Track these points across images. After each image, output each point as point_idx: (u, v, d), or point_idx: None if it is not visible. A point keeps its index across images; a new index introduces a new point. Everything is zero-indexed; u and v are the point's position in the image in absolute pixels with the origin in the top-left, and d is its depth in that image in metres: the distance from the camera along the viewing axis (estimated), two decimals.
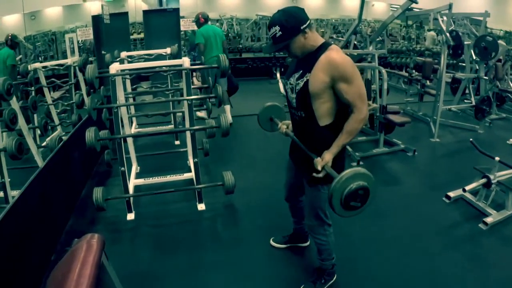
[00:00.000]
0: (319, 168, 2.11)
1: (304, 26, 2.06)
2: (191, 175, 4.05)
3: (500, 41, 6.89)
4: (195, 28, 8.49)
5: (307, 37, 2.08)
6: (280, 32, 2.04)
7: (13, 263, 2.38)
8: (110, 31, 6.84)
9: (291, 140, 2.50)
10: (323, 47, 2.10)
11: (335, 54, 2.05)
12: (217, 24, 14.53)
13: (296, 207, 2.91)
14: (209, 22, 6.62)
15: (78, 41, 9.13)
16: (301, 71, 2.15)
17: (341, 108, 2.17)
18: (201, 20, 6.40)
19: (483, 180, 3.69)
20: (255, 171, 4.74)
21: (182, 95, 4.06)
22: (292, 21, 2.04)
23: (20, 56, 10.02)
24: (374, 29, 12.32)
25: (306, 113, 2.19)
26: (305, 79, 2.10)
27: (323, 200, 2.36)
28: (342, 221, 2.64)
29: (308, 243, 3.18)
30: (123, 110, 3.91)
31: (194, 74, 7.96)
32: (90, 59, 7.56)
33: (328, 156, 2.13)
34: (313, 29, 2.13)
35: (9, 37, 5.88)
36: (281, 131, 2.63)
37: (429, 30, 13.61)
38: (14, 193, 3.47)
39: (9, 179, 3.58)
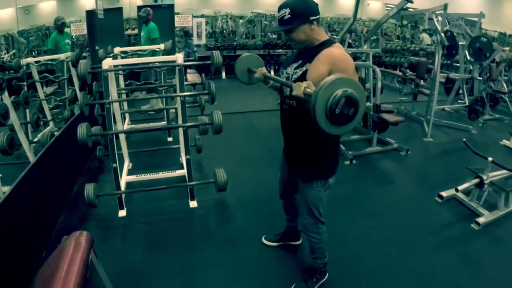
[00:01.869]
0: (301, 89, 1.83)
1: (313, 18, 2.07)
2: (183, 172, 4.03)
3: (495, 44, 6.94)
4: (190, 24, 8.49)
5: (313, 29, 2.08)
6: (289, 16, 2.04)
7: (4, 260, 2.35)
8: (104, 27, 6.78)
9: (283, 133, 2.47)
10: (327, 43, 2.12)
11: (338, 50, 2.06)
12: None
13: (291, 205, 2.90)
14: None
15: (72, 36, 9.07)
16: (301, 61, 2.15)
17: None
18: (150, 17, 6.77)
19: (476, 180, 3.70)
20: (247, 169, 4.73)
21: (174, 91, 4.03)
22: (303, 8, 2.05)
23: (14, 50, 9.94)
24: (369, 29, 12.33)
25: (298, 103, 2.18)
26: (304, 68, 2.09)
27: (317, 198, 2.37)
28: (334, 220, 2.65)
29: (300, 241, 3.17)
30: (115, 106, 3.89)
31: (188, 70, 7.94)
32: (84, 54, 7.51)
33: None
34: (320, 25, 2.14)
35: None
36: (259, 74, 2.48)
37: (423, 31, 13.66)
38: (5, 189, 3.43)
39: (0, 175, 3.55)
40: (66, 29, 6.84)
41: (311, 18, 2.06)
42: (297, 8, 2.04)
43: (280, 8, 2.10)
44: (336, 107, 1.60)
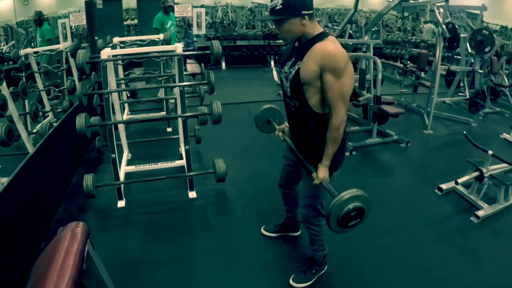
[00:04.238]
0: (317, 183, 2.19)
1: (306, 12, 2.00)
2: (182, 162, 4.02)
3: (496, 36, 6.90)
4: (189, 14, 8.45)
5: (304, 23, 2.01)
6: (281, 6, 1.98)
7: (2, 251, 2.35)
8: (103, 17, 6.75)
9: (290, 129, 2.45)
10: (320, 37, 2.04)
11: (330, 45, 1.98)
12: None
13: (290, 195, 2.89)
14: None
15: (71, 27, 9.01)
16: (293, 59, 2.10)
17: None
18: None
19: (476, 173, 3.70)
20: (247, 159, 4.72)
21: (174, 81, 4.01)
22: (296, 1, 1.98)
23: (13, 41, 9.90)
24: (368, 21, 12.25)
25: (300, 103, 2.15)
26: (296, 67, 2.05)
27: (320, 190, 2.34)
28: None
29: (299, 232, 3.17)
30: (114, 96, 3.86)
31: (188, 60, 7.90)
32: (83, 45, 7.47)
33: (322, 172, 2.18)
34: (313, 19, 2.06)
35: None
36: (278, 137, 2.62)
37: (425, 22, 13.54)
38: (4, 180, 3.42)
39: None
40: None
41: (303, 12, 1.98)
42: (290, 0, 1.99)
43: None
44: (347, 218, 1.91)
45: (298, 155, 2.35)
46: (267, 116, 2.83)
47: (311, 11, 2.02)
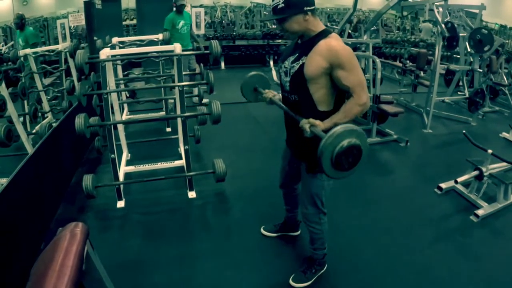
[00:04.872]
0: (307, 128, 2.00)
1: (308, 8, 2.02)
2: (182, 162, 4.01)
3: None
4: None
5: (307, 20, 2.03)
6: (283, 5, 2.00)
7: (1, 252, 2.34)
8: (102, 17, 6.74)
9: (287, 128, 2.46)
10: (323, 34, 2.06)
11: (335, 42, 2.00)
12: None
13: (290, 195, 2.89)
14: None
15: (70, 27, 9.02)
16: (297, 54, 2.11)
17: (340, 95, 2.14)
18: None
19: (475, 173, 3.70)
20: (246, 159, 4.72)
21: (173, 81, 4.01)
22: None
23: (12, 42, 9.89)
24: (358, 18, 12.25)
25: (299, 97, 2.16)
26: (300, 62, 2.06)
27: (320, 188, 2.35)
28: (333, 210, 2.64)
29: (299, 232, 3.17)
30: (113, 96, 3.86)
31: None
32: (82, 45, 7.47)
33: (318, 122, 2.02)
34: (316, 16, 2.09)
35: None
36: (266, 97, 2.51)
37: (424, 21, 13.53)
38: (3, 181, 3.42)
39: None
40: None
41: (305, 8, 2.01)
42: None
43: None
44: (342, 157, 1.76)
45: (288, 112, 2.26)
46: (254, 83, 2.74)
47: (313, 7, 2.05)
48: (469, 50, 6.73)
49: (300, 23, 2.04)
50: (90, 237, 1.54)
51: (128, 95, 6.39)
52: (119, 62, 4.49)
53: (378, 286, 2.72)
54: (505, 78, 7.76)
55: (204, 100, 5.15)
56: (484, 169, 3.65)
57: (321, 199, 2.43)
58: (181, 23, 6.38)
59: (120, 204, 3.63)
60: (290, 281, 2.65)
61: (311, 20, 2.05)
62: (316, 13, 2.09)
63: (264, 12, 13.82)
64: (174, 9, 6.44)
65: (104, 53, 3.56)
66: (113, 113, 3.82)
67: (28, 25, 6.89)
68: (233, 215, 3.55)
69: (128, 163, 4.26)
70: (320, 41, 2.02)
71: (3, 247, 2.36)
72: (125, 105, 5.76)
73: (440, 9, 6.15)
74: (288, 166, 2.66)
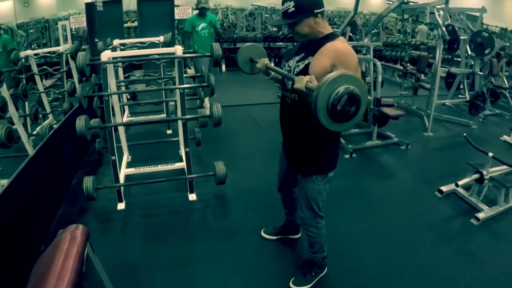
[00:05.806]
0: (303, 82, 1.82)
1: (318, 10, 2.03)
2: (182, 164, 4.01)
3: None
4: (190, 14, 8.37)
5: (317, 22, 2.05)
6: (293, 9, 2.01)
7: (1, 253, 2.34)
8: (103, 19, 6.76)
9: (283, 132, 2.46)
10: (331, 36, 2.08)
11: (341, 44, 2.02)
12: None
13: (288, 198, 2.89)
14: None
15: (71, 29, 9.02)
16: (303, 54, 2.12)
17: None
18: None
19: (476, 176, 3.69)
20: (247, 162, 4.72)
21: (174, 83, 4.01)
22: (308, 1, 2.02)
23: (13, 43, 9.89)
24: (356, 20, 12.24)
25: (299, 96, 2.15)
26: (306, 61, 2.07)
27: (316, 192, 2.36)
28: (333, 214, 2.64)
29: (299, 235, 3.17)
30: (114, 98, 3.86)
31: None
32: (83, 47, 7.47)
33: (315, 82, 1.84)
34: (325, 18, 2.10)
35: None
36: (260, 65, 2.44)
37: (419, 23, 13.53)
38: (4, 182, 3.42)
39: None
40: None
41: (315, 11, 2.02)
42: (302, 1, 2.00)
43: (284, 1, 2.06)
44: (338, 104, 1.60)
45: (288, 132, 2.28)
46: (250, 53, 2.65)
47: (322, 9, 2.06)
48: (469, 53, 6.73)
49: (311, 26, 2.06)
50: (91, 239, 1.54)
51: (129, 97, 6.38)
52: (120, 64, 4.49)
53: None
54: (505, 81, 7.76)
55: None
56: (484, 172, 3.65)
57: (318, 203, 2.43)
58: (201, 25, 6.22)
59: (121, 206, 3.63)
60: (291, 284, 2.64)
61: (320, 22, 2.07)
62: (325, 15, 2.10)
63: (265, 15, 13.82)
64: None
65: (105, 55, 3.56)
66: (114, 115, 3.82)
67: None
68: (233, 218, 3.55)
69: (129, 165, 4.25)
70: (327, 43, 2.03)
71: (3, 248, 2.36)
72: (126, 107, 5.75)
73: (441, 12, 6.16)
74: (285, 169, 2.66)
